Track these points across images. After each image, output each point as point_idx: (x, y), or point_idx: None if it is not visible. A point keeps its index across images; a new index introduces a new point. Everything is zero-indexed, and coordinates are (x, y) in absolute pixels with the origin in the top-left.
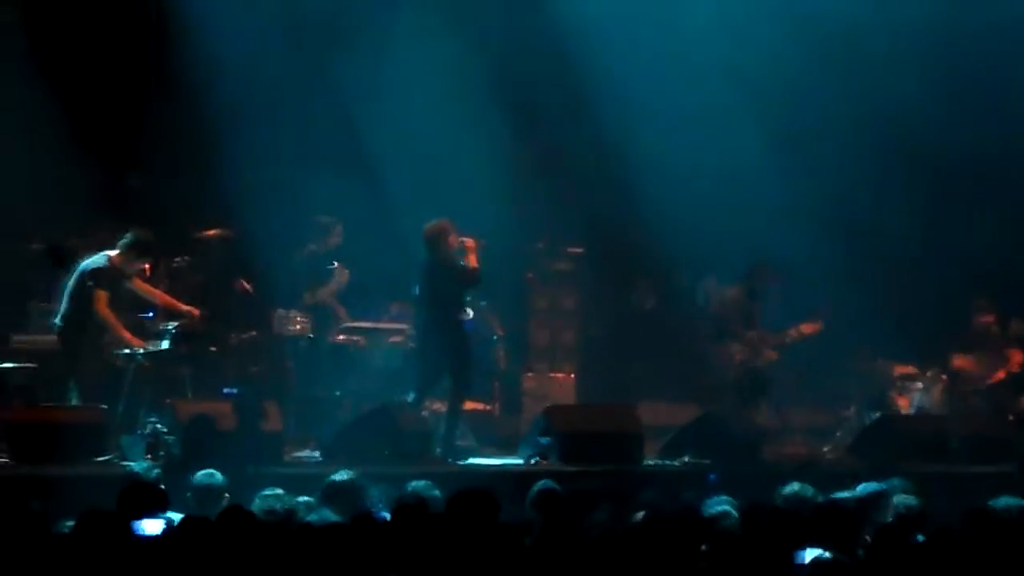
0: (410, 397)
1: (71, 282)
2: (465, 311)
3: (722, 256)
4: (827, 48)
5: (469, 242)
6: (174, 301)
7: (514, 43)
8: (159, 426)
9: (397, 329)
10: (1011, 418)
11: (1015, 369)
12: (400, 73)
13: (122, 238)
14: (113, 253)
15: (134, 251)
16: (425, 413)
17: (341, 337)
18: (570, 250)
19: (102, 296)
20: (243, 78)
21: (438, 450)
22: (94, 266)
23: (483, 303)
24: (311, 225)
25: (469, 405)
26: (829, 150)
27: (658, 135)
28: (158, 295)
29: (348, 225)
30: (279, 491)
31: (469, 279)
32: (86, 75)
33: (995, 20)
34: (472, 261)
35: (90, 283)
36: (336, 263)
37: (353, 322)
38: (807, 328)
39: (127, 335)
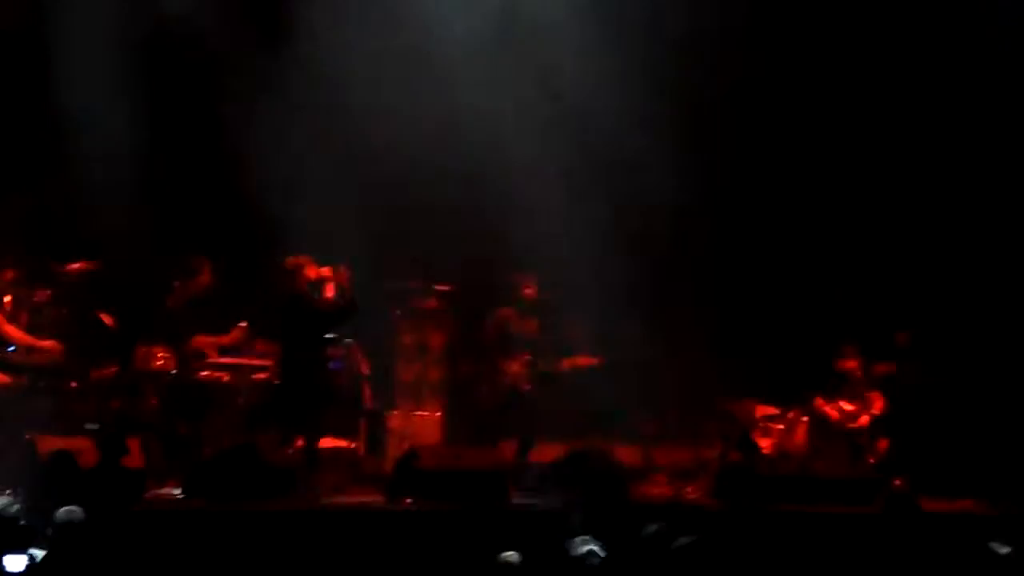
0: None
1: None
2: (327, 346)
3: None
4: None
5: (326, 272)
6: (30, 338)
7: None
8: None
9: (261, 366)
10: (871, 461)
11: (876, 412)
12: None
13: None
14: None
15: None
16: (288, 450)
17: (205, 373)
18: (437, 287)
19: None
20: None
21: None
22: None
23: (348, 340)
24: (179, 264)
25: (334, 442)
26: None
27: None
28: (12, 331)
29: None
30: None
31: (327, 311)
32: None
33: None
34: (329, 291)
35: None
36: (244, 323)
37: (218, 358)
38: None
39: None
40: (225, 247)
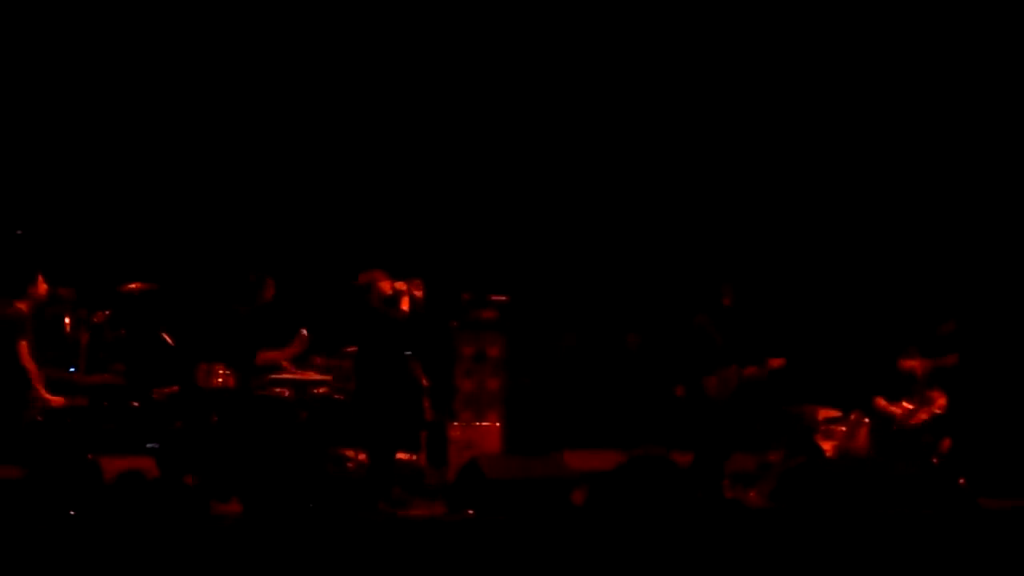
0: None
1: None
2: (404, 360)
3: None
4: None
5: (400, 285)
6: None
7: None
8: None
9: (322, 380)
10: (935, 460)
11: (938, 411)
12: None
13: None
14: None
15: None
16: (352, 464)
17: (266, 389)
18: (494, 298)
19: (23, 347)
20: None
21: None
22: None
23: (407, 352)
24: (242, 282)
25: (396, 455)
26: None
27: None
28: (31, 365)
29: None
30: None
31: (402, 324)
32: None
33: None
34: (404, 305)
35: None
36: (303, 330)
37: (278, 374)
38: (774, 362)
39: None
40: (283, 263)
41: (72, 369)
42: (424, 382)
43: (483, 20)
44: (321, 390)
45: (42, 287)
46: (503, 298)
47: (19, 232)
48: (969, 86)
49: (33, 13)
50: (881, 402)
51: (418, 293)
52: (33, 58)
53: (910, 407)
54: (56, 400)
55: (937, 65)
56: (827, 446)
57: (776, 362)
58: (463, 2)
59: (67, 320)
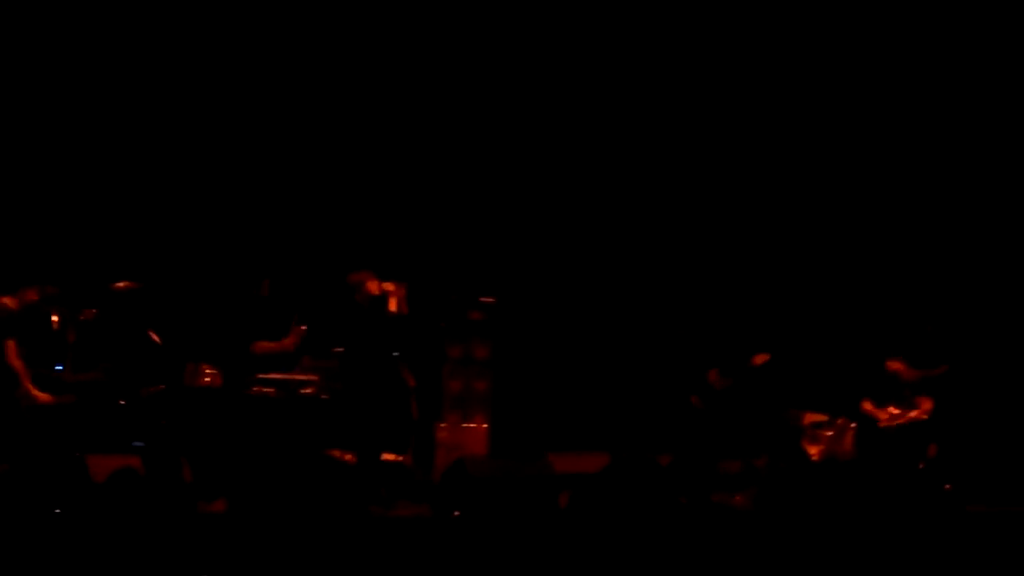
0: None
1: None
2: (390, 360)
3: None
4: None
5: (388, 286)
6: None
7: None
8: None
9: (309, 381)
10: (921, 465)
11: (924, 416)
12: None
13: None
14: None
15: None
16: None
17: (253, 389)
18: (482, 300)
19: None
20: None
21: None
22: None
23: (394, 354)
24: (241, 278)
25: (383, 456)
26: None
27: None
28: (19, 366)
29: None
30: None
31: (390, 325)
32: None
33: None
34: (392, 306)
35: None
36: (303, 327)
37: (264, 374)
38: (758, 359)
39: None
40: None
41: (59, 367)
42: (411, 383)
43: (471, 24)
44: (308, 390)
45: (33, 295)
46: (491, 300)
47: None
48: (960, 90)
49: (30, 11)
50: (868, 405)
51: (401, 294)
52: (27, 55)
53: (896, 411)
54: (43, 397)
55: (929, 67)
56: (813, 450)
57: (760, 358)
58: (454, 3)
59: (55, 318)
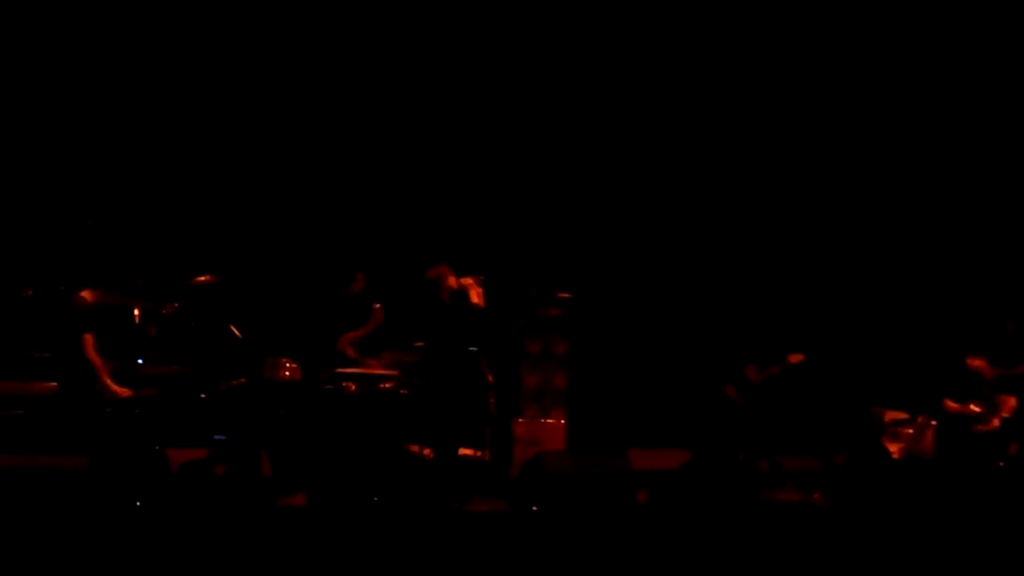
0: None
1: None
2: (469, 354)
3: None
4: None
5: (468, 281)
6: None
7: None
8: None
9: (388, 375)
10: (1001, 464)
11: (1007, 415)
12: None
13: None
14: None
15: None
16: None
17: (331, 385)
18: (560, 295)
19: (89, 339)
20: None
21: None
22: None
23: (472, 349)
24: (335, 273)
25: (462, 451)
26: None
27: None
28: (97, 360)
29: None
30: None
31: (472, 319)
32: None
33: None
34: (474, 299)
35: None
36: (377, 304)
37: (345, 368)
38: (793, 358)
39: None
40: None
41: (140, 361)
42: (489, 378)
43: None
44: (387, 385)
45: (114, 298)
46: (569, 295)
47: (89, 223)
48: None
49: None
50: (950, 404)
51: (479, 288)
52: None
53: (978, 410)
54: (124, 391)
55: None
56: (894, 448)
57: (795, 358)
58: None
59: (136, 312)
